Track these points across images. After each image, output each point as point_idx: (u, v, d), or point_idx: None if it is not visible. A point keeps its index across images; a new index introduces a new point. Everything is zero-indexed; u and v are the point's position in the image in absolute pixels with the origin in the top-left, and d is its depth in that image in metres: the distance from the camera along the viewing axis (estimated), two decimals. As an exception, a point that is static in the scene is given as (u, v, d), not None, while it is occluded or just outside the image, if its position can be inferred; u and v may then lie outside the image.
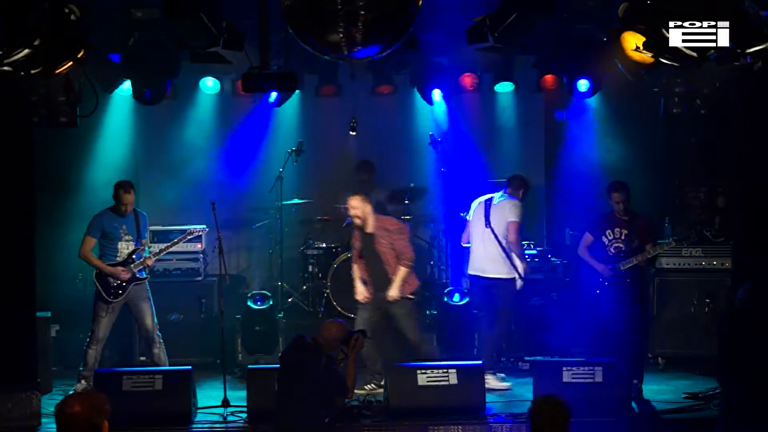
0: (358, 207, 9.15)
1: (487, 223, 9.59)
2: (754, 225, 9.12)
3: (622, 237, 9.27)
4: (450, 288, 10.69)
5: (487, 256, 9.60)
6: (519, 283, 9.61)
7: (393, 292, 9.11)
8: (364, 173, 11.60)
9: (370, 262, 9.27)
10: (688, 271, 10.51)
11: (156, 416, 8.30)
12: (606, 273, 9.25)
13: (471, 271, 9.82)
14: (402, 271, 9.13)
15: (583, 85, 9.56)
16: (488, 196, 9.78)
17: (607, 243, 9.33)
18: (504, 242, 9.52)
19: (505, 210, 9.58)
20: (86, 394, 4.56)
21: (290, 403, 7.05)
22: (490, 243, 9.57)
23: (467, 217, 9.89)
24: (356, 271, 9.40)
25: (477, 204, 9.79)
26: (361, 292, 9.33)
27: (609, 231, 9.33)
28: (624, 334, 9.25)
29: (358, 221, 9.19)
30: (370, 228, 9.19)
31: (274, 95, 10.80)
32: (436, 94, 10.82)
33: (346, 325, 7.44)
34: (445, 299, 10.57)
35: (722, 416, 7.62)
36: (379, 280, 9.23)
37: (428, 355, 9.21)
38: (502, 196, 9.70)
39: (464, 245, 10.03)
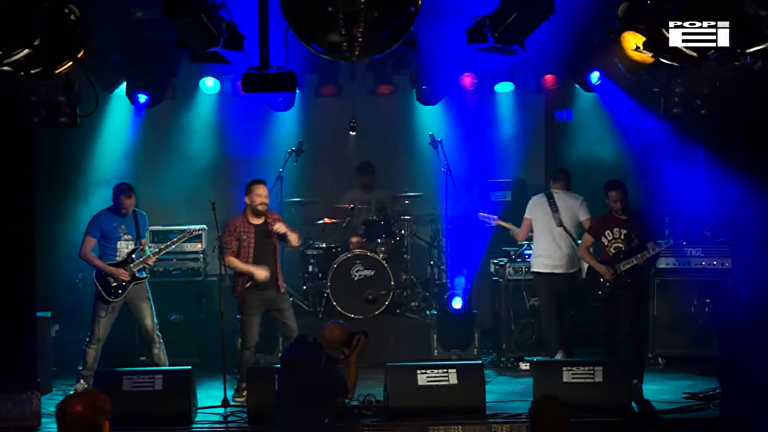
0: (267, 195, 9.25)
1: (560, 223, 9.89)
2: (754, 225, 9.11)
3: (622, 237, 9.28)
4: (450, 292, 10.69)
5: (563, 254, 9.89)
6: (583, 273, 9.98)
7: (284, 228, 9.22)
8: (366, 175, 11.62)
9: (262, 257, 9.23)
10: (688, 271, 10.52)
11: (156, 416, 8.30)
12: (606, 274, 9.25)
13: (541, 269, 9.97)
14: (295, 235, 9.37)
15: (594, 76, 9.59)
16: (543, 194, 10.10)
17: (606, 243, 9.34)
18: (574, 238, 9.89)
19: (575, 208, 9.94)
20: (87, 394, 4.55)
21: (290, 403, 7.05)
22: (564, 241, 9.89)
23: (526, 216, 10.11)
24: (241, 266, 9.18)
25: (536, 202, 10.07)
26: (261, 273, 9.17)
27: (608, 231, 9.34)
28: (624, 334, 9.27)
29: (264, 207, 9.20)
30: (262, 218, 9.25)
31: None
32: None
33: (348, 326, 7.45)
34: (444, 301, 10.61)
35: (722, 416, 7.63)
36: (269, 277, 9.24)
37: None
38: (566, 193, 10.03)
39: (520, 242, 10.37)
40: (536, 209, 10.09)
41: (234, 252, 9.20)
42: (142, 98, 9.81)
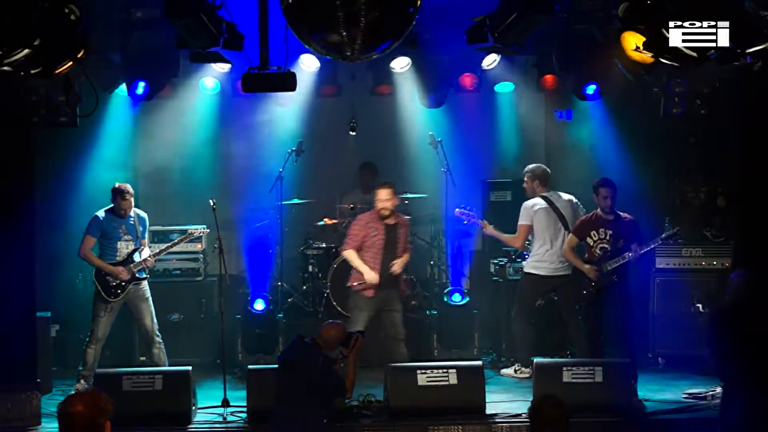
0: (390, 198, 9.34)
1: (566, 227, 9.76)
2: (754, 225, 9.12)
3: (608, 238, 9.29)
4: (450, 288, 10.69)
5: (564, 256, 9.73)
6: None
7: (398, 267, 9.41)
8: (367, 175, 11.62)
9: (387, 255, 9.38)
10: (688, 271, 10.51)
11: (156, 416, 8.30)
12: (591, 273, 9.25)
13: (549, 272, 9.82)
14: (407, 256, 9.57)
15: (590, 89, 9.58)
16: (542, 199, 9.85)
17: (592, 244, 9.35)
18: None
19: (574, 208, 9.89)
20: (89, 393, 4.53)
21: (289, 403, 7.06)
22: (563, 242, 9.73)
23: (525, 222, 9.87)
24: (360, 261, 9.36)
25: (538, 208, 9.83)
26: (372, 277, 9.30)
27: (594, 232, 9.35)
28: (615, 334, 9.27)
29: (387, 212, 9.33)
30: (393, 219, 9.40)
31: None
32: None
33: (346, 326, 7.45)
34: (445, 299, 10.61)
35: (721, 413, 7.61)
36: (388, 277, 9.35)
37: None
38: (558, 194, 9.91)
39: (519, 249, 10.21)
40: (540, 215, 9.82)
41: (356, 247, 9.38)
42: (141, 87, 9.59)
